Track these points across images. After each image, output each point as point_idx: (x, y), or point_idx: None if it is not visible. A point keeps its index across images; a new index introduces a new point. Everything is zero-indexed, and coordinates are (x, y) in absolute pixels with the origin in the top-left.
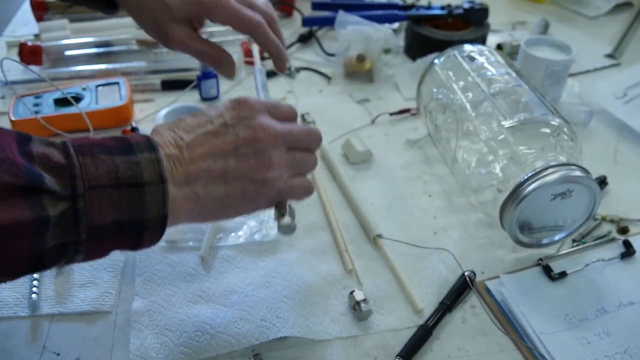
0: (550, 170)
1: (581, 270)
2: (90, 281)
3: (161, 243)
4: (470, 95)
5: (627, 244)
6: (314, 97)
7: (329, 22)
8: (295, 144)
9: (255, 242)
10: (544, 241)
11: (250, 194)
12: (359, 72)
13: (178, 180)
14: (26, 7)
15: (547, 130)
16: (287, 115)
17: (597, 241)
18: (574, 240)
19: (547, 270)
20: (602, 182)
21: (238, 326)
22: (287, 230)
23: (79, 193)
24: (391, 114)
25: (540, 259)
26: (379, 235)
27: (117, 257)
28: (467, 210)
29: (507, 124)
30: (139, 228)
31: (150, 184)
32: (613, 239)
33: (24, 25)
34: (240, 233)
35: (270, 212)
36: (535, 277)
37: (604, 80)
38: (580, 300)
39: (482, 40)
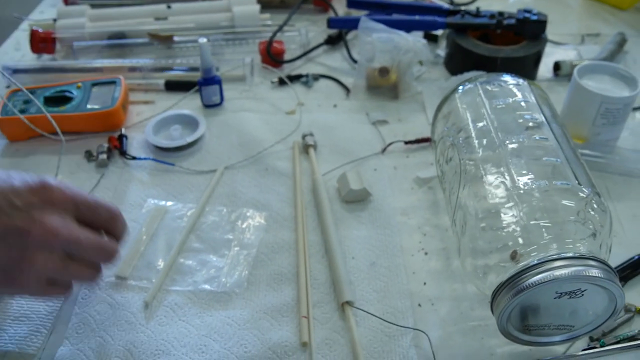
0: (560, 262)
1: None
2: (24, 314)
3: (111, 278)
4: (485, 141)
5: None
6: (326, 113)
7: (357, 26)
8: (77, 253)
9: (209, 291)
10: (543, 340)
11: None
12: (383, 86)
13: None
14: None
15: (571, 204)
16: (101, 218)
17: (623, 344)
18: (591, 338)
19: None
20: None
21: None
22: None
23: None
24: (406, 143)
25: None
26: (349, 302)
27: None
28: (465, 279)
29: (519, 190)
30: None
31: None
32: None
33: (53, 6)
34: (197, 278)
35: (227, 260)
36: None
37: None
38: None
39: (535, 59)
